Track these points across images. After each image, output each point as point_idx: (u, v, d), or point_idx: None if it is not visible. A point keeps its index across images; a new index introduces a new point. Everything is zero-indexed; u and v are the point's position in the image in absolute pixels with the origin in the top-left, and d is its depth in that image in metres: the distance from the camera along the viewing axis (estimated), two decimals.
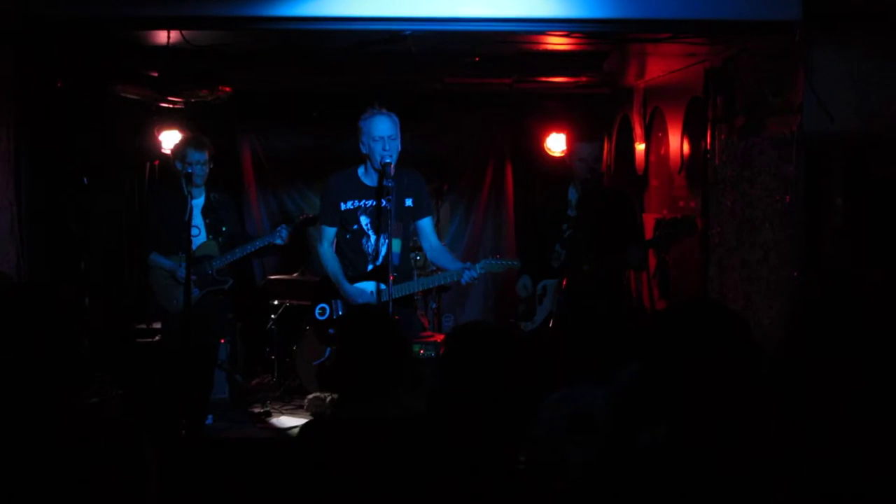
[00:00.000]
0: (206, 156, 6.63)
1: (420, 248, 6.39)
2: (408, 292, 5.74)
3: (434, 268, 6.86)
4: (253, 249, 6.82)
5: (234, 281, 6.91)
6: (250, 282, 9.23)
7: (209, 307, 6.73)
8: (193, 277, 6.36)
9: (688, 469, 2.21)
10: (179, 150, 6.71)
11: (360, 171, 5.72)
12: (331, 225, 5.76)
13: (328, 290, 5.78)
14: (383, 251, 5.65)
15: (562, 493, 2.38)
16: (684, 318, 2.38)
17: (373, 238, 5.70)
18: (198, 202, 6.68)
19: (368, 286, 5.67)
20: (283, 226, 6.82)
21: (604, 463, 2.40)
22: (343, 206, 5.69)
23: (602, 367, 3.34)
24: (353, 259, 5.73)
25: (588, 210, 6.40)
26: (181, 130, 8.19)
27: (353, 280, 5.70)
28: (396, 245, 5.66)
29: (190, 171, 6.46)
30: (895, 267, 5.08)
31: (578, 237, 6.38)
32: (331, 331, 5.78)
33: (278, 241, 6.77)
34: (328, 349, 6.15)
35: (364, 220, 5.69)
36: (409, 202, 5.71)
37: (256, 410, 7.79)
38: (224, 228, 6.84)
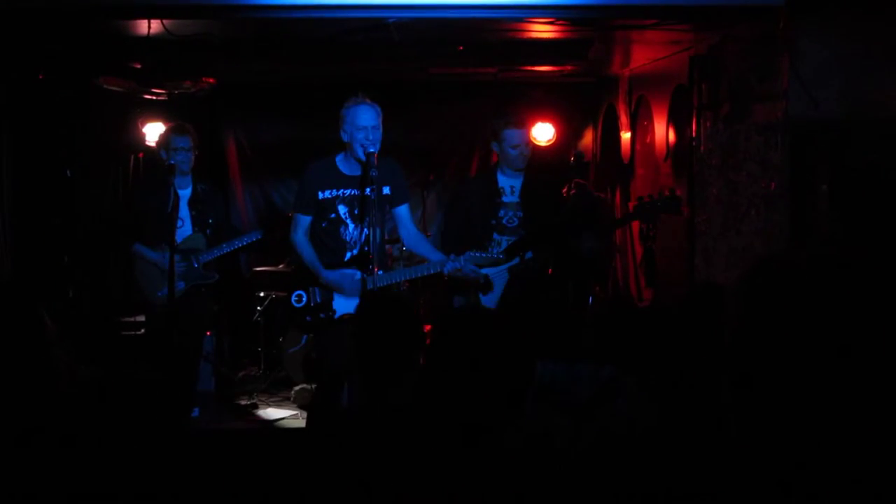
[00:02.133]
0: (189, 141, 6.60)
1: (400, 239, 6.35)
2: (390, 282, 5.71)
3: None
4: (240, 245, 6.83)
5: (220, 274, 6.89)
6: (236, 274, 9.19)
7: (194, 299, 6.69)
8: (179, 270, 6.32)
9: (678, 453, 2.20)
10: (163, 138, 6.69)
11: (339, 159, 5.67)
12: (306, 214, 5.71)
13: (304, 277, 5.74)
14: (362, 240, 5.61)
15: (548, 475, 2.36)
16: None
17: (351, 227, 5.65)
18: (184, 193, 6.65)
19: (351, 272, 5.63)
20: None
21: (591, 445, 2.39)
22: (321, 195, 5.64)
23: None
24: (332, 248, 5.68)
25: (538, 199, 6.38)
26: (165, 122, 8.16)
27: (329, 268, 5.67)
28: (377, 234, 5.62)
29: (173, 162, 6.42)
30: (880, 251, 5.08)
31: (543, 226, 6.34)
32: (307, 318, 5.73)
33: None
34: (304, 337, 6.11)
35: (342, 209, 5.64)
36: (386, 190, 5.66)
37: (243, 402, 7.77)
38: (210, 220, 6.81)
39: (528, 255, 6.16)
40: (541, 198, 6.36)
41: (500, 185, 6.36)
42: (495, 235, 6.30)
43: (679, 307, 2.67)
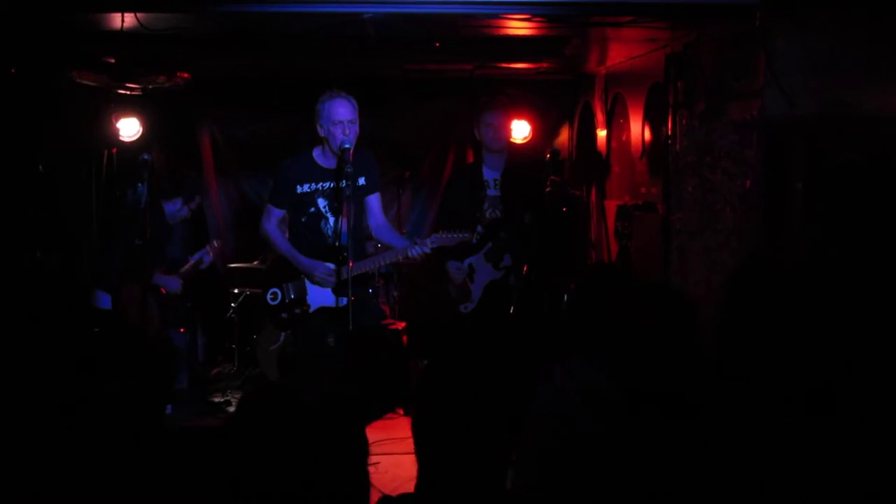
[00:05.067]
0: (176, 205, 6.76)
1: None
2: (362, 270, 5.71)
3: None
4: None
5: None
6: (210, 270, 9.13)
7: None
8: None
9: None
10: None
11: (316, 153, 5.66)
12: (279, 207, 5.70)
13: (278, 274, 5.73)
14: (343, 232, 5.61)
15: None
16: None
17: (332, 220, 5.65)
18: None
19: (328, 264, 5.64)
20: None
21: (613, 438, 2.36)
22: (300, 189, 5.62)
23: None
24: (311, 241, 5.67)
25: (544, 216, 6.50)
26: (139, 117, 8.10)
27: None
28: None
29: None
30: (854, 251, 5.10)
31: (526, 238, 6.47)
32: (283, 315, 5.72)
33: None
34: (283, 334, 6.10)
35: (322, 202, 5.63)
36: (361, 181, 5.66)
37: (216, 400, 7.73)
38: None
39: (506, 262, 6.28)
40: (518, 194, 6.46)
41: (486, 177, 6.47)
42: (479, 229, 6.41)
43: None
